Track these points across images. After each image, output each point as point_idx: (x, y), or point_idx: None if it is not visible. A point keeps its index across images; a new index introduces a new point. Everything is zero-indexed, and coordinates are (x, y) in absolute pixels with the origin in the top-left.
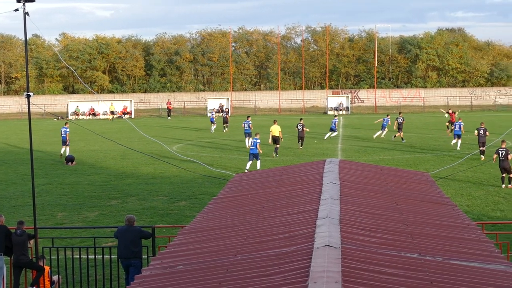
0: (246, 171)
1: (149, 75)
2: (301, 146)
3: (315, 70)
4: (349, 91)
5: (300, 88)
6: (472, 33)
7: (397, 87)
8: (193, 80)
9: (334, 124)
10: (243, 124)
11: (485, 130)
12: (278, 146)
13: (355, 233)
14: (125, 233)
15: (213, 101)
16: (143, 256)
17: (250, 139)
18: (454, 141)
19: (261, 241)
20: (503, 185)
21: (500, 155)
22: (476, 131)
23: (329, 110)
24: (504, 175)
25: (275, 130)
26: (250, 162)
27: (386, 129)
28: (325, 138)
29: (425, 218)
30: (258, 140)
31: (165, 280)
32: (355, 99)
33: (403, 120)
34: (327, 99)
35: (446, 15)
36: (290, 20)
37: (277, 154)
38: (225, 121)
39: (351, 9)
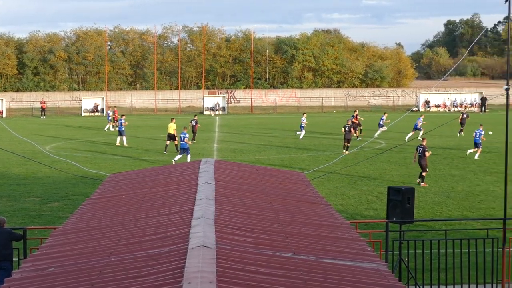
0: (173, 162)
1: (22, 73)
2: (194, 140)
3: (191, 70)
4: (226, 91)
5: (177, 88)
6: (348, 35)
7: (274, 88)
8: (68, 79)
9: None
10: (119, 123)
11: (350, 128)
12: (175, 143)
13: (230, 233)
14: None
15: (88, 101)
16: (14, 259)
17: (124, 137)
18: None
19: (135, 242)
20: (422, 183)
21: (419, 151)
22: (343, 129)
23: (205, 110)
24: (423, 173)
25: (171, 128)
26: (179, 156)
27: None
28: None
29: (300, 218)
30: (187, 135)
31: (36, 283)
32: (232, 99)
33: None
34: (203, 99)
35: (322, 16)
36: (167, 19)
37: (165, 151)
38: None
39: (228, 9)
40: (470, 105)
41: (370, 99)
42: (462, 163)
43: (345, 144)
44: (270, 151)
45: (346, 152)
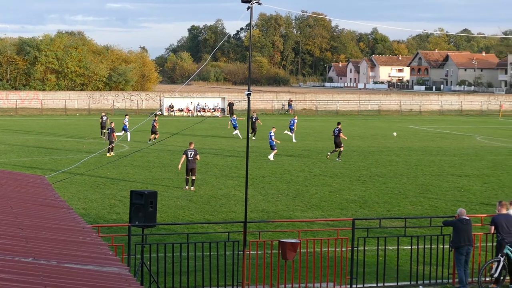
0: None
1: None
2: None
3: None
4: None
5: None
6: (92, 37)
7: (15, 89)
8: None
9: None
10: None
11: (112, 130)
12: None
13: None
14: None
15: None
16: None
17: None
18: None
19: None
20: (186, 187)
21: (189, 156)
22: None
23: None
24: (188, 176)
25: None
26: None
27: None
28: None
29: (41, 222)
30: None
31: None
32: None
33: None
34: None
35: (66, 18)
36: None
37: None
38: None
39: None
40: (213, 110)
41: (114, 102)
42: (205, 167)
43: (110, 147)
44: (11, 154)
45: (112, 153)
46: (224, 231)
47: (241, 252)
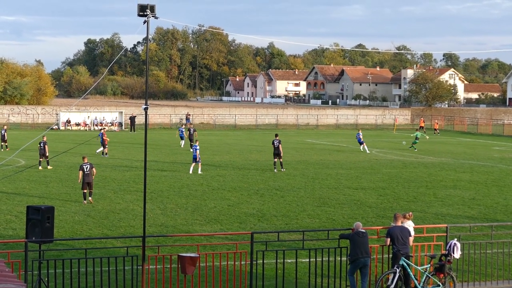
0: None
1: None
2: None
3: None
4: None
5: None
6: None
7: None
8: None
9: None
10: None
11: (44, 143)
12: None
13: None
14: None
15: None
16: None
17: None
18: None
19: None
20: (85, 201)
21: (85, 170)
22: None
23: None
24: (85, 190)
25: None
26: None
27: None
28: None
29: None
30: None
31: None
32: None
33: None
34: None
35: None
36: None
37: None
38: None
39: None
40: (110, 124)
41: (9, 116)
42: (102, 181)
43: (41, 160)
44: None
45: (49, 166)
46: (123, 246)
47: (140, 267)
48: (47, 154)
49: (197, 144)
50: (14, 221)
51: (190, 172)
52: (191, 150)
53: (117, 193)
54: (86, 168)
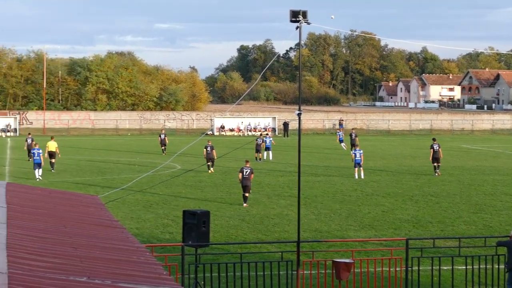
0: (38, 179)
1: None
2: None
3: None
4: (17, 112)
5: None
6: (142, 57)
7: (67, 109)
8: None
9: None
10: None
11: (212, 147)
12: (53, 161)
13: (23, 258)
14: None
15: None
16: None
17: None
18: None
19: None
20: (245, 204)
21: (244, 173)
22: (204, 149)
23: None
24: (247, 194)
25: (52, 145)
26: (38, 170)
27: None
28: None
29: (94, 242)
30: (40, 151)
31: None
32: (24, 121)
33: None
34: None
35: (115, 38)
36: None
37: (52, 169)
38: None
39: (19, 28)
40: (264, 129)
41: (165, 122)
42: (257, 186)
43: (209, 164)
44: (64, 174)
45: (212, 170)
46: (277, 250)
47: (295, 272)
48: (215, 158)
49: (358, 148)
50: (171, 225)
51: (355, 177)
52: (352, 154)
53: (271, 198)
54: (246, 172)
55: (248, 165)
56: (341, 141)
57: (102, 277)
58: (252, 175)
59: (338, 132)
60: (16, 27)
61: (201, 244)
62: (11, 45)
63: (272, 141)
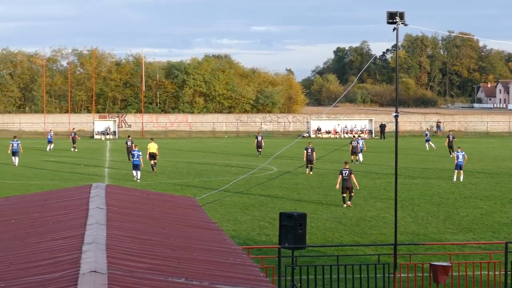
0: (138, 180)
1: None
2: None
3: (81, 94)
4: (116, 115)
5: (66, 112)
6: (238, 60)
7: (165, 112)
8: None
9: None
10: (11, 144)
11: (312, 149)
12: (155, 162)
13: (122, 259)
14: None
15: None
16: None
17: (17, 158)
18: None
19: (25, 268)
20: (345, 205)
21: (344, 175)
22: (304, 151)
23: (96, 134)
24: (344, 194)
25: (153, 147)
26: (136, 172)
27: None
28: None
29: (192, 243)
30: (140, 152)
31: None
32: (122, 124)
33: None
34: (93, 123)
35: (211, 41)
36: (55, 42)
37: (153, 170)
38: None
39: (118, 33)
40: (360, 132)
41: (261, 124)
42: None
43: (309, 165)
44: (162, 176)
45: (311, 172)
46: (374, 253)
47: (392, 275)
48: (314, 159)
49: (459, 150)
50: (267, 227)
51: (454, 180)
52: (452, 155)
53: (367, 201)
54: (345, 173)
55: (347, 167)
56: (427, 140)
57: (200, 278)
58: (352, 175)
59: (426, 132)
60: (116, 31)
61: (298, 246)
62: (110, 49)
63: (364, 144)
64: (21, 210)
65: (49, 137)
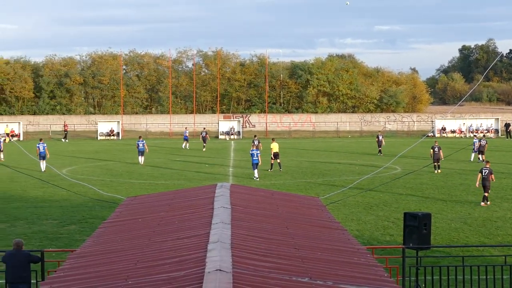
0: (257, 179)
1: (38, 97)
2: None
3: (206, 94)
4: (241, 115)
5: (192, 112)
6: (362, 60)
7: (288, 112)
8: (83, 103)
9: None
10: (137, 144)
11: (439, 148)
12: (279, 161)
13: (247, 258)
14: (13, 258)
15: (104, 125)
16: (32, 281)
17: (142, 157)
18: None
19: (152, 266)
20: (482, 203)
21: (483, 174)
22: (431, 150)
23: (220, 135)
24: (486, 194)
25: (275, 147)
26: (255, 170)
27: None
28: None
29: (316, 243)
30: (259, 151)
31: None
32: (247, 124)
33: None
34: (218, 123)
35: (335, 41)
36: (181, 44)
37: (280, 168)
38: (204, 140)
39: (242, 34)
40: (486, 131)
41: (385, 124)
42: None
43: (436, 164)
44: (285, 176)
45: (439, 171)
46: (500, 254)
47: None
48: (441, 158)
49: None
50: (391, 227)
51: None
52: None
53: (494, 201)
54: (485, 172)
55: (487, 166)
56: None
57: (324, 278)
58: (492, 175)
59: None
60: (239, 32)
61: (422, 246)
62: (234, 50)
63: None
64: (148, 209)
65: (185, 135)
